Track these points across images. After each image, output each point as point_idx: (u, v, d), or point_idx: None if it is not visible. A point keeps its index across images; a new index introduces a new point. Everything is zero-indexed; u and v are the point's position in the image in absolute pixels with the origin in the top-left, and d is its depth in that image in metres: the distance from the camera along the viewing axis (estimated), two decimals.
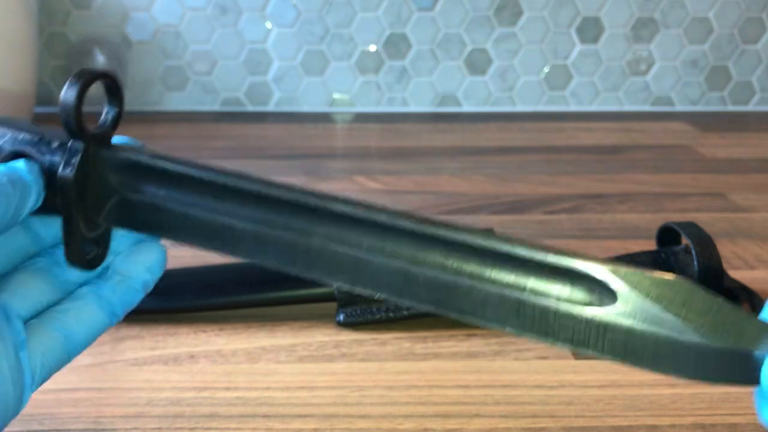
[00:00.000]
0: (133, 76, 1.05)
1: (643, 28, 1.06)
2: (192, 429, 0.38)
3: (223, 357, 0.45)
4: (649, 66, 1.07)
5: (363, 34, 1.04)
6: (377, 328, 0.48)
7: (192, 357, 0.45)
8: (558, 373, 0.43)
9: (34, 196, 0.29)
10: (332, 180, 0.78)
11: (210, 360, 0.45)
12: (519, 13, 1.04)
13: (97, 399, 0.41)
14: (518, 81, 1.07)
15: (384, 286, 0.28)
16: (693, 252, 0.48)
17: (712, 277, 0.48)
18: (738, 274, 0.54)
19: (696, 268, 0.48)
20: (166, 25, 1.03)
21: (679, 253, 0.50)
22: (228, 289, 0.49)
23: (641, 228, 0.65)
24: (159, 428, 0.38)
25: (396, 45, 1.05)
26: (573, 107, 1.08)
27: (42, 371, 0.29)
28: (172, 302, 0.49)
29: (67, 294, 0.31)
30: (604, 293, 0.25)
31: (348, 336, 0.48)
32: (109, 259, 0.32)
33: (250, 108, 1.07)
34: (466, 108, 1.08)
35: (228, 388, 0.42)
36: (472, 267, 0.27)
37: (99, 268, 0.31)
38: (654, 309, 0.25)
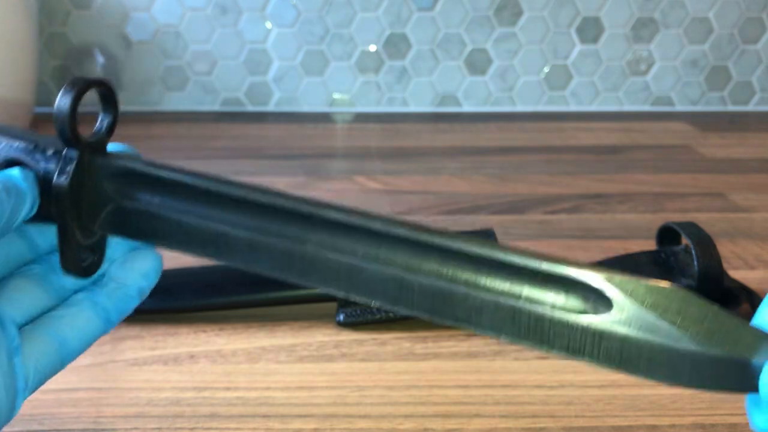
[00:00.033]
0: (133, 76, 1.05)
1: (643, 28, 1.06)
2: (192, 429, 0.38)
3: (223, 357, 0.45)
4: (649, 66, 1.07)
5: (363, 34, 1.04)
6: (377, 328, 0.48)
7: (192, 357, 0.45)
8: (558, 373, 0.43)
9: (29, 204, 0.29)
10: (332, 180, 0.78)
11: (210, 360, 0.45)
12: (519, 13, 1.04)
13: (97, 399, 0.41)
14: (518, 81, 1.07)
15: (379, 293, 0.28)
16: (693, 252, 0.48)
17: (712, 277, 0.48)
18: (738, 274, 0.54)
19: (696, 268, 0.48)
20: (166, 25, 1.03)
21: (679, 253, 0.50)
22: (228, 289, 0.49)
23: (641, 228, 0.65)
24: (159, 428, 0.38)
25: (396, 45, 1.05)
26: (573, 107, 1.08)
27: (35, 377, 0.29)
28: (172, 302, 0.49)
29: (63, 300, 0.31)
30: (599, 301, 0.25)
31: (348, 336, 0.48)
32: (104, 265, 0.32)
33: (250, 108, 1.07)
34: (466, 108, 1.08)
35: (228, 388, 0.42)
36: (467, 275, 0.27)
37: (94, 275, 0.31)
38: (649, 317, 0.25)
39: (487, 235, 0.51)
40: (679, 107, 1.09)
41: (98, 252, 0.31)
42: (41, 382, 0.29)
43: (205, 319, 0.49)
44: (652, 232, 0.53)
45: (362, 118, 1.04)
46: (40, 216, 0.30)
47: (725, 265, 0.50)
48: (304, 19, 1.03)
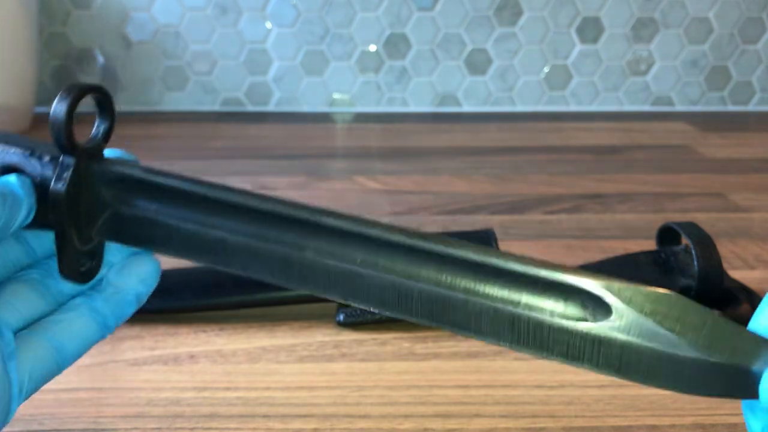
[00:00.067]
0: (133, 76, 1.05)
1: (643, 28, 1.06)
2: (192, 429, 0.38)
3: (223, 357, 0.45)
4: (649, 66, 1.07)
5: (363, 34, 1.04)
6: (377, 328, 0.48)
7: (192, 357, 0.45)
8: (558, 373, 0.43)
9: (25, 211, 0.29)
10: (332, 180, 0.78)
11: (210, 360, 0.45)
12: (519, 13, 1.04)
13: (97, 399, 0.41)
14: (518, 81, 1.07)
15: (377, 300, 0.28)
16: (693, 252, 0.48)
17: (712, 277, 0.48)
18: (738, 274, 0.54)
19: (696, 268, 0.48)
20: (166, 25, 1.03)
21: (679, 253, 0.50)
22: (228, 289, 0.49)
23: (641, 228, 0.65)
24: (159, 428, 0.38)
25: (396, 45, 1.05)
26: (573, 107, 1.08)
27: (30, 382, 0.29)
28: (172, 302, 0.49)
29: (60, 305, 0.31)
30: (598, 308, 0.25)
31: (348, 336, 0.48)
32: (102, 271, 0.32)
33: (250, 108, 1.07)
34: (466, 108, 1.08)
35: (228, 388, 0.42)
36: (465, 282, 0.27)
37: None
38: (648, 324, 0.25)
39: (486, 235, 0.51)
40: (679, 107, 1.09)
41: (96, 257, 0.31)
42: (37, 388, 0.29)
43: (205, 319, 0.49)
44: (652, 232, 0.53)
45: (362, 118, 1.04)
46: (38, 223, 0.30)
47: (725, 265, 0.50)
48: (304, 19, 1.03)
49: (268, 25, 1.03)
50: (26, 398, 0.29)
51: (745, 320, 0.26)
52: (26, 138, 0.31)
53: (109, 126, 0.31)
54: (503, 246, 0.54)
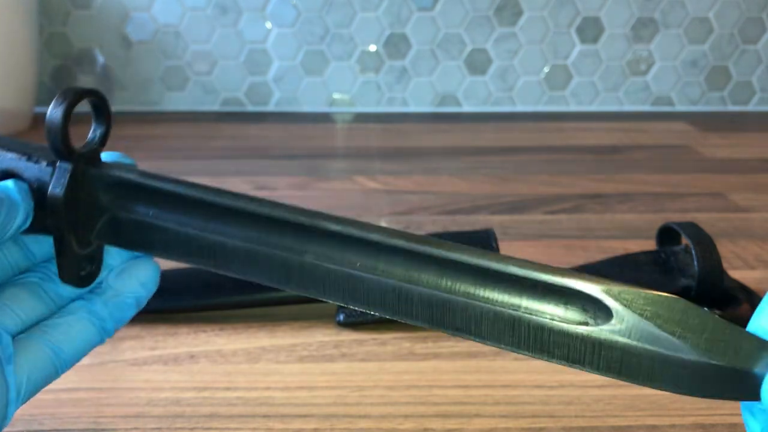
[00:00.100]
0: (133, 76, 1.05)
1: (643, 28, 1.06)
2: (192, 429, 0.38)
3: (223, 357, 0.45)
4: (649, 66, 1.07)
5: (363, 34, 1.04)
6: (377, 328, 0.48)
7: (192, 357, 0.45)
8: (558, 373, 0.43)
9: (22, 216, 0.29)
10: (332, 180, 0.78)
11: (210, 360, 0.45)
12: (519, 13, 1.04)
13: (97, 399, 0.41)
14: (518, 81, 1.07)
15: (378, 304, 0.28)
16: (693, 252, 0.48)
17: (712, 277, 0.48)
18: (738, 274, 0.54)
19: (696, 268, 0.48)
20: (166, 25, 1.03)
21: (679, 253, 0.50)
22: (228, 289, 0.49)
23: (641, 228, 0.65)
24: (159, 428, 0.38)
25: (396, 45, 1.05)
26: (573, 107, 1.08)
27: (28, 386, 0.29)
28: (172, 302, 0.49)
29: (59, 308, 0.31)
30: (598, 312, 0.25)
31: (348, 336, 0.48)
32: (102, 274, 0.31)
33: (250, 108, 1.07)
34: (466, 108, 1.08)
35: (228, 388, 0.42)
36: (466, 286, 0.27)
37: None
38: (649, 327, 0.25)
39: (487, 236, 0.51)
40: (679, 107, 1.09)
41: (96, 261, 0.31)
42: (34, 392, 0.29)
43: (205, 319, 0.49)
44: (652, 232, 0.53)
45: (362, 118, 1.04)
46: (36, 227, 0.30)
47: (725, 265, 0.50)
48: (304, 19, 1.03)
49: (268, 25, 1.03)
50: (24, 402, 0.29)
51: (744, 320, 0.26)
52: (23, 142, 0.30)
53: (105, 130, 0.30)
54: (503, 246, 0.54)
